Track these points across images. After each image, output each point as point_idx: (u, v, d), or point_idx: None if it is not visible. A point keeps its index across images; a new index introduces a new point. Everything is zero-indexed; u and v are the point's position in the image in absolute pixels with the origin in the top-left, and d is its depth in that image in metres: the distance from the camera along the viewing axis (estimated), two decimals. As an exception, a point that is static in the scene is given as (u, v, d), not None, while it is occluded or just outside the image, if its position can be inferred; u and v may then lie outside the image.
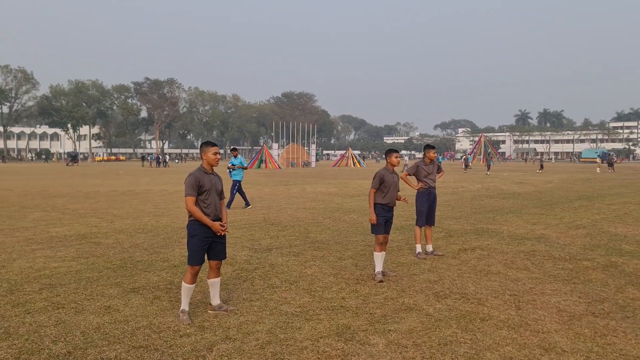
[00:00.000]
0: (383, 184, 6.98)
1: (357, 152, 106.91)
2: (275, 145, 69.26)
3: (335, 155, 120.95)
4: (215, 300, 5.50)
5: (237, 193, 15.44)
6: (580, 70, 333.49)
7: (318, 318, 5.27)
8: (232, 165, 15.52)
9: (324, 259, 8.07)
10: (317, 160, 79.38)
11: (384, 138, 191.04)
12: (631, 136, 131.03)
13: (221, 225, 5.30)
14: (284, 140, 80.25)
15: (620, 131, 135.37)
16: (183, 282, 5.27)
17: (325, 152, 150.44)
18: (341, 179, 33.40)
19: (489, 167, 41.97)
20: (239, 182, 15.51)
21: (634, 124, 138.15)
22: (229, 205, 14.97)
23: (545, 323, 5.14)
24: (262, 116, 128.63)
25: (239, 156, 15.91)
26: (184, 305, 5.24)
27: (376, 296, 6.05)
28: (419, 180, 8.56)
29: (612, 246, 8.99)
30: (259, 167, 57.87)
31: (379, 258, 6.89)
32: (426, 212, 8.47)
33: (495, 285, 6.58)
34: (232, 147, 17.87)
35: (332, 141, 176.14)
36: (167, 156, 75.42)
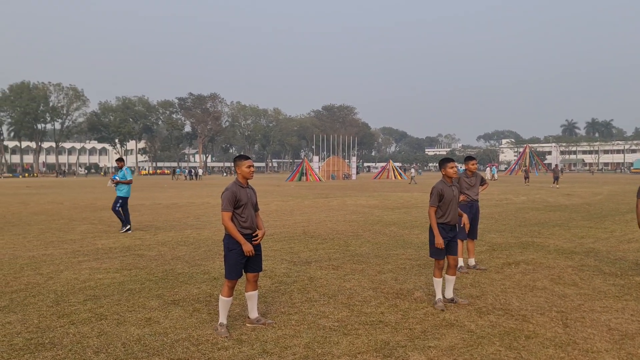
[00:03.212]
0: (442, 201, 6.28)
1: (398, 164, 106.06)
2: (316, 158, 69.56)
3: (376, 168, 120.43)
4: (253, 314, 5.50)
5: (121, 210, 13.09)
6: (631, 78, 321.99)
7: (356, 333, 5.19)
8: (115, 179, 13.22)
9: (363, 273, 7.98)
10: (357, 172, 79.19)
11: (426, 150, 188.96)
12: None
13: (254, 236, 5.32)
14: (325, 153, 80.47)
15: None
16: (220, 296, 5.30)
17: (366, 164, 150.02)
18: (382, 191, 33.17)
19: (556, 179, 38.49)
20: (124, 199, 13.10)
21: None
22: (125, 225, 13.03)
23: (594, 342, 4.90)
24: (303, 129, 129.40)
25: (124, 168, 13.44)
26: (222, 319, 5.26)
27: (416, 311, 5.92)
28: (461, 192, 8.37)
29: (667, 261, 8.54)
30: (299, 179, 58.17)
31: (439, 284, 6.18)
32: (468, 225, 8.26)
33: (541, 301, 6.34)
34: (118, 157, 14.52)
35: (373, 153, 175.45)
36: (200, 170, 76.53)
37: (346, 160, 75.48)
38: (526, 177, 45.05)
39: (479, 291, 6.85)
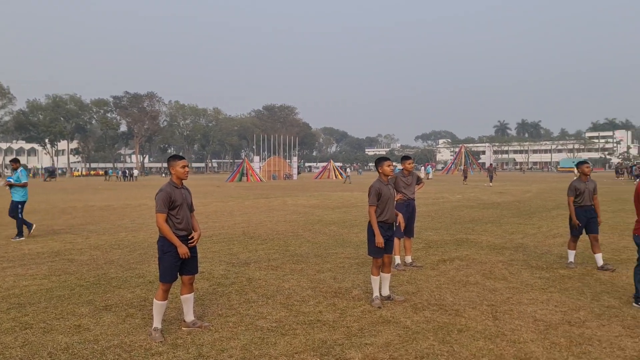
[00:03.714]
0: (380, 199, 6.29)
1: (339, 164, 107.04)
2: (256, 158, 69.05)
3: (317, 168, 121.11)
4: (189, 317, 5.39)
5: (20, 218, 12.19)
6: (557, 82, 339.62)
7: (294, 333, 5.18)
8: (9, 181, 12.23)
9: (303, 273, 7.99)
10: (299, 172, 79.31)
11: (366, 150, 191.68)
12: (607, 145, 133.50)
13: (190, 239, 5.23)
14: (266, 153, 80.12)
15: (596, 141, 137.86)
16: (155, 299, 5.16)
17: (307, 164, 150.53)
18: (323, 191, 33.36)
19: (491, 178, 40.87)
20: (23, 203, 12.23)
21: (609, 133, 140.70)
22: (21, 234, 12.01)
23: (521, 333, 5.12)
24: (244, 129, 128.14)
25: (19, 169, 12.37)
26: (157, 323, 5.12)
27: (354, 309, 5.99)
28: (397, 191, 8.56)
29: (588, 254, 9.03)
30: (240, 180, 57.59)
31: (376, 282, 6.24)
32: (405, 224, 8.44)
33: (473, 295, 6.57)
34: (13, 157, 13.48)
35: (314, 153, 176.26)
36: (136, 170, 74.04)
37: (287, 160, 75.42)
38: (465, 177, 46.50)
39: (415, 288, 7.01)
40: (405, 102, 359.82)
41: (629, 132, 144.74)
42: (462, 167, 61.10)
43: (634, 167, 47.86)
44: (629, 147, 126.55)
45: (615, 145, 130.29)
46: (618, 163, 77.96)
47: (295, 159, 75.26)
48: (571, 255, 8.43)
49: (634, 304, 6.04)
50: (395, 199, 8.45)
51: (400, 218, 7.03)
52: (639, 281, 6.09)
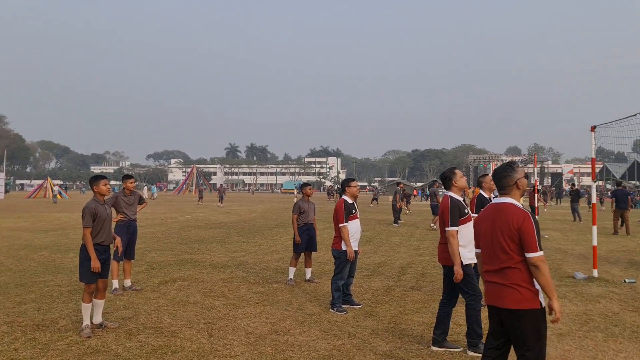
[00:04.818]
0: (96, 220, 5.93)
1: (58, 182, 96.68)
2: (-52, 174, 57.69)
3: (32, 185, 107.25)
4: None
5: None
6: (281, 111, 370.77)
7: (-22, 378, 4.44)
8: None
9: (-2, 306, 6.93)
10: (7, 191, 69.01)
11: (91, 167, 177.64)
12: (322, 170, 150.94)
13: None
14: (-37, 167, 67.59)
15: (313, 166, 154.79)
16: None
17: (18, 181, 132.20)
18: (36, 212, 29.60)
19: (221, 198, 41.51)
20: None
21: (324, 159, 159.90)
22: None
23: (233, 347, 5.36)
24: None
25: None
26: None
27: (58, 342, 5.43)
28: (118, 212, 8.19)
29: (299, 268, 9.99)
30: None
31: (87, 310, 5.82)
32: (125, 246, 8.08)
33: (192, 315, 6.61)
34: None
35: (29, 169, 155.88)
36: None
37: (-8, 177, 64.94)
38: (200, 197, 46.87)
39: (131, 312, 6.72)
40: (134, 118, 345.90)
41: (339, 159, 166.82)
42: (197, 188, 61.48)
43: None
44: (338, 172, 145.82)
45: (328, 170, 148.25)
46: (330, 186, 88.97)
47: (2, 175, 65.21)
48: (291, 272, 9.00)
49: (330, 310, 6.91)
50: (116, 220, 8.08)
51: (118, 242, 6.72)
52: (335, 289, 7.00)
